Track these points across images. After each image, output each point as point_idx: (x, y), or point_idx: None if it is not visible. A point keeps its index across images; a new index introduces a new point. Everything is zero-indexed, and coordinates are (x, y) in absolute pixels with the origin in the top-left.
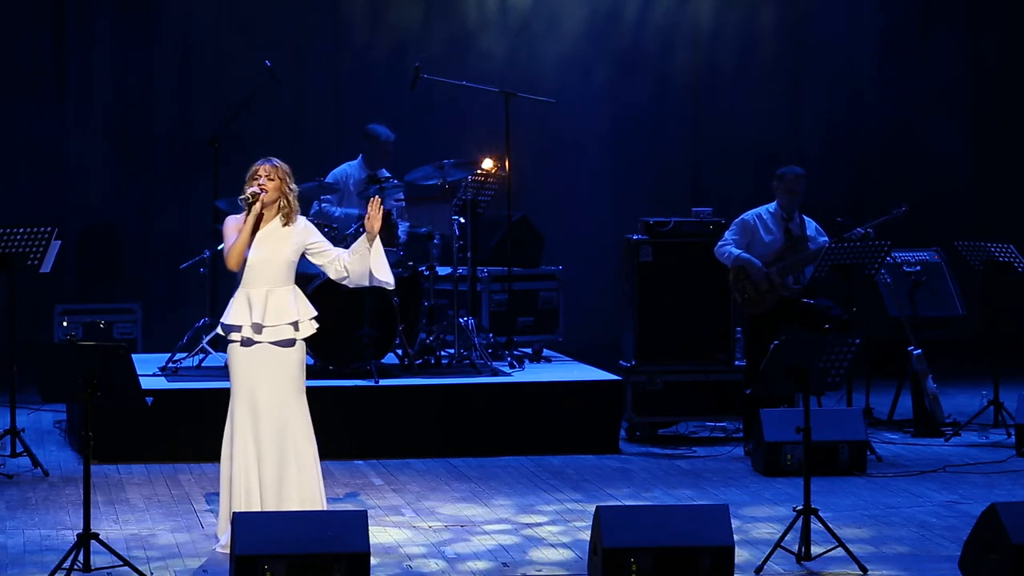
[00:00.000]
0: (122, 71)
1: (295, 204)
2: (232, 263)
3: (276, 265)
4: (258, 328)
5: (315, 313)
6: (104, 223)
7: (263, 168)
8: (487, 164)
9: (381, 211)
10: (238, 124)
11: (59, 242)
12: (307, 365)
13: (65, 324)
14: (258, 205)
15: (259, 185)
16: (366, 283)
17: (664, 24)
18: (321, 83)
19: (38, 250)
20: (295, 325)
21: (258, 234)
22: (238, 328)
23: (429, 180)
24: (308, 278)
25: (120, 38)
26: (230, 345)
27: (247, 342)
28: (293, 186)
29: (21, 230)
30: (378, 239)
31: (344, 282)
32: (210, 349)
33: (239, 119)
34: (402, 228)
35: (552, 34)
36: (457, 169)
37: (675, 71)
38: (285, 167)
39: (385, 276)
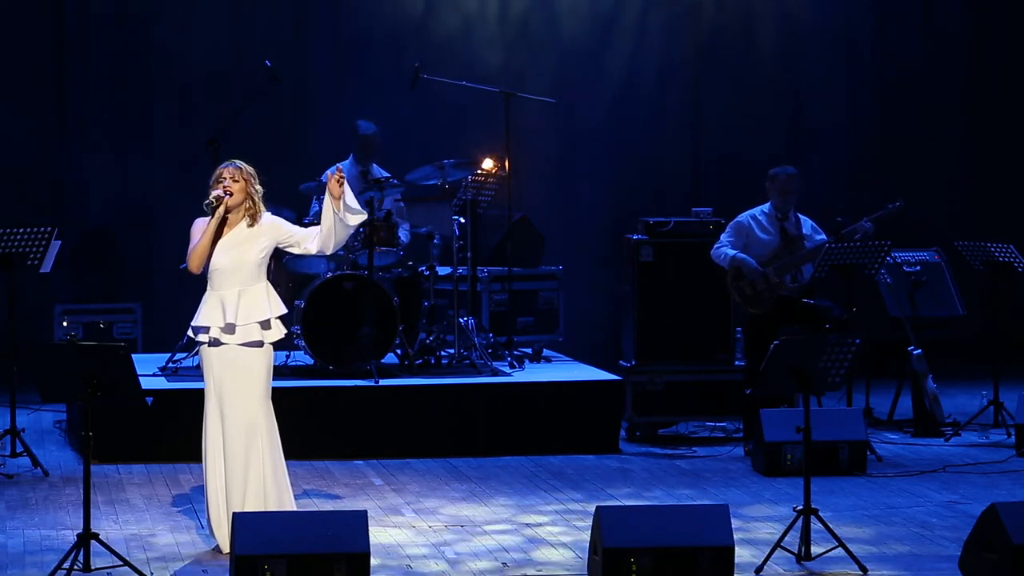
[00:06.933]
0: (122, 72)
1: (260, 205)
2: (194, 266)
3: (244, 267)
4: (230, 328)
5: (285, 310)
6: (104, 223)
7: (228, 171)
8: (487, 164)
9: (343, 184)
10: (238, 124)
11: (59, 242)
12: (307, 366)
13: (65, 324)
14: (222, 208)
15: (224, 188)
16: (344, 232)
17: (664, 23)
18: (321, 83)
19: (38, 250)
20: (265, 324)
21: (224, 238)
22: (206, 329)
23: (429, 180)
24: (308, 278)
25: (119, 39)
26: (200, 346)
27: (215, 342)
28: (258, 187)
29: (21, 230)
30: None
31: (327, 246)
32: None
33: (239, 119)
34: (402, 228)
35: (552, 34)
36: (457, 169)
37: (675, 70)
38: (250, 168)
39: (355, 213)
